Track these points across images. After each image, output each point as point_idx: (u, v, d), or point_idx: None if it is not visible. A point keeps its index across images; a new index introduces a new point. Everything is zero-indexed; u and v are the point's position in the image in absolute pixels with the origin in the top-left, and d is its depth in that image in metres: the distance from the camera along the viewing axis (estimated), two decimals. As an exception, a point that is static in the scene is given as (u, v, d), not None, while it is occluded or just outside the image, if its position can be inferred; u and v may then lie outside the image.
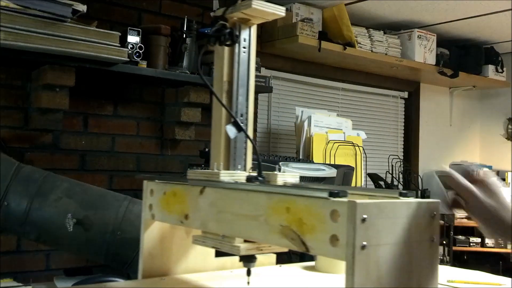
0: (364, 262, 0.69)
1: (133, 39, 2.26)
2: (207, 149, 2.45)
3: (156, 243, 1.19)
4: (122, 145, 2.56)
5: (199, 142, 2.73)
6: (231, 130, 1.00)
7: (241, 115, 1.05)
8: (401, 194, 0.81)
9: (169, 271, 1.20)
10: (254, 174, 1.00)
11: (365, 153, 3.13)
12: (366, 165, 3.22)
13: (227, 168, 1.03)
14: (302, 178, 2.41)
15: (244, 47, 1.05)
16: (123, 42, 2.20)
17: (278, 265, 1.40)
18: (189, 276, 1.20)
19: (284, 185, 0.97)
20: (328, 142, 2.97)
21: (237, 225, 0.88)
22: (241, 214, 0.87)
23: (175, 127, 2.60)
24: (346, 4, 3.21)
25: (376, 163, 3.80)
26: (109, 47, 2.09)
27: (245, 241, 0.92)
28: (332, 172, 2.47)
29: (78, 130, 2.43)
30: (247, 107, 1.06)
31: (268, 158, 2.41)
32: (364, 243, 0.68)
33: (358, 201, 0.68)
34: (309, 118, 3.02)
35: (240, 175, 1.01)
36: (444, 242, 3.49)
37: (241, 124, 1.02)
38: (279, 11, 1.03)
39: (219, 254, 0.99)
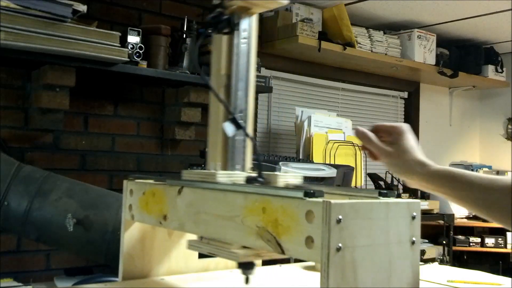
0: (340, 264, 0.66)
1: (133, 39, 2.26)
2: (207, 149, 2.45)
3: (136, 244, 1.15)
4: (122, 145, 2.56)
5: (199, 142, 2.73)
6: (229, 128, 0.93)
7: (240, 112, 0.97)
8: (381, 194, 0.78)
9: (150, 273, 1.17)
10: (254, 174, 0.94)
11: (365, 153, 3.13)
12: (366, 165, 3.22)
13: (225, 168, 0.96)
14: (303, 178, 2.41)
15: (244, 38, 0.97)
16: (123, 42, 2.20)
17: (278, 265, 1.40)
18: (171, 278, 1.17)
19: (261, 185, 0.91)
20: (328, 142, 2.97)
21: (214, 226, 0.85)
22: (218, 214, 0.84)
23: (175, 127, 2.60)
24: (346, 4, 3.21)
25: (376, 163, 3.79)
26: (110, 47, 2.09)
27: (244, 246, 0.86)
28: (332, 172, 2.47)
29: (79, 130, 2.43)
30: (246, 103, 0.98)
31: (268, 158, 2.42)
32: (340, 245, 0.66)
33: (333, 201, 0.65)
34: (309, 118, 3.02)
35: (239, 176, 0.94)
36: (444, 242, 3.49)
37: (240, 121, 0.94)
38: None
39: (202, 255, 0.94)
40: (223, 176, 0.91)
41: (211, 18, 0.93)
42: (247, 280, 0.92)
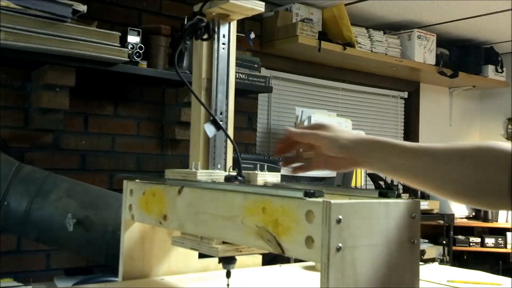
0: (340, 264, 0.66)
1: (133, 39, 2.26)
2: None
3: (136, 244, 1.16)
4: (122, 145, 2.56)
5: (199, 142, 2.72)
6: (210, 129, 0.98)
7: (221, 113, 1.02)
8: (381, 194, 0.78)
9: (150, 273, 1.17)
10: (234, 173, 0.97)
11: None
12: (366, 165, 3.21)
13: (206, 167, 1.00)
14: (302, 178, 2.41)
15: (223, 43, 1.03)
16: (123, 42, 2.20)
17: (278, 265, 1.40)
18: (171, 278, 1.18)
19: (261, 185, 0.94)
20: (328, 142, 2.97)
21: (214, 226, 0.85)
22: (218, 214, 0.84)
23: (175, 127, 2.60)
24: (346, 4, 3.21)
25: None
26: (110, 47, 2.09)
27: (224, 242, 0.89)
28: (332, 172, 2.47)
29: (79, 130, 2.43)
30: (227, 105, 1.04)
31: (268, 158, 2.42)
32: (340, 244, 0.66)
33: (333, 201, 0.65)
34: (309, 118, 3.02)
35: (219, 175, 0.98)
36: (444, 242, 3.49)
37: (220, 122, 0.99)
38: (258, 6, 1.00)
39: (202, 255, 0.95)
40: (203, 175, 0.96)
41: (189, 26, 0.98)
42: (228, 274, 0.96)
